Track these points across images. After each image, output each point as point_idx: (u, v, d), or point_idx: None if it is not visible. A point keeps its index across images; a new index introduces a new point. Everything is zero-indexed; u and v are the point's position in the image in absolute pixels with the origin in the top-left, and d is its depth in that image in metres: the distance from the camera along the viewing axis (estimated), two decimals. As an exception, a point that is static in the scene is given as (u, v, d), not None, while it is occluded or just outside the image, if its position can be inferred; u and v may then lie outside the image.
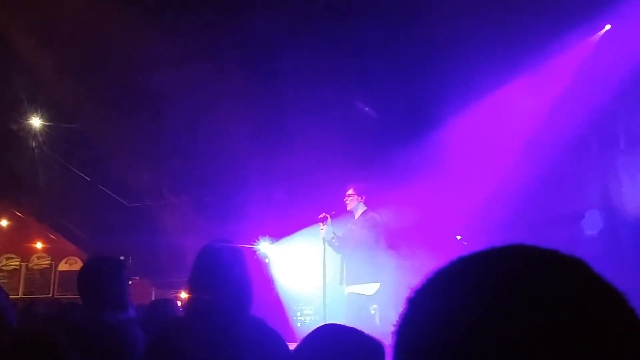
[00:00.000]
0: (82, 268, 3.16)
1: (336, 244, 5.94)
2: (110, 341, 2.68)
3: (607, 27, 6.46)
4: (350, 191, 6.08)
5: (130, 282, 3.32)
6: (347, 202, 6.07)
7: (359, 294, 5.74)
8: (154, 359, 2.38)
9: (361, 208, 6.03)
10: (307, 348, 1.88)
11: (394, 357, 0.67)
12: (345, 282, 5.88)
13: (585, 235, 6.34)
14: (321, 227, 6.01)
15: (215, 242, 2.53)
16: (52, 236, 10.23)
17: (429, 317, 0.64)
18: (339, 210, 6.18)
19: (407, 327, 0.66)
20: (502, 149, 6.43)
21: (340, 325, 2.00)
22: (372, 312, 5.64)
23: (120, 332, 2.77)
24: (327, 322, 2.38)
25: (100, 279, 2.91)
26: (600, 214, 6.45)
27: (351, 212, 6.09)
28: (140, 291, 8.04)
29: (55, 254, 10.21)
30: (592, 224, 6.33)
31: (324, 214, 6.02)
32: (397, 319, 0.68)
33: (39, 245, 10.35)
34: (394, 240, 5.89)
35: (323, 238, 6.03)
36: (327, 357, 1.80)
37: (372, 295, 5.70)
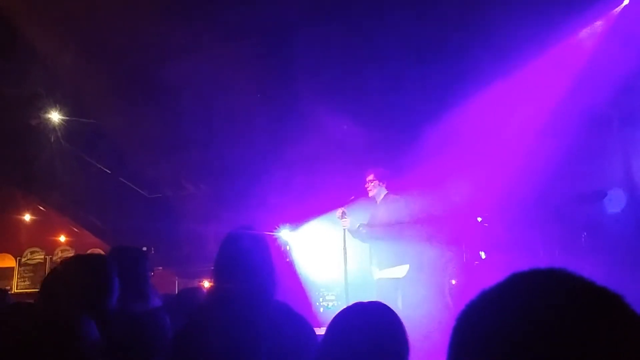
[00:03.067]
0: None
1: (363, 231, 5.92)
2: (133, 332, 2.69)
3: (626, 1, 6.36)
4: (370, 177, 6.06)
5: (152, 273, 3.33)
6: (368, 188, 6.05)
7: (389, 278, 5.74)
8: (178, 347, 2.38)
9: (383, 192, 6.03)
10: (337, 327, 1.90)
11: None
12: (377, 266, 5.88)
13: (608, 214, 6.29)
14: (343, 222, 6.01)
15: (237, 230, 2.54)
16: (75, 229, 10.35)
17: (480, 330, 0.74)
18: (357, 195, 6.16)
19: (460, 339, 0.76)
20: (522, 127, 6.38)
21: (367, 302, 2.01)
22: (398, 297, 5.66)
23: (143, 323, 2.78)
24: None
25: (124, 269, 2.95)
26: (624, 192, 6.39)
27: (373, 198, 6.08)
28: (164, 281, 8.14)
29: (79, 247, 10.33)
30: (615, 202, 6.27)
31: (341, 210, 6.02)
32: (452, 331, 0.78)
33: (62, 238, 10.48)
34: (417, 222, 5.87)
35: (348, 230, 6.02)
36: (357, 334, 1.83)
37: (402, 277, 5.71)
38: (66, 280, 2.51)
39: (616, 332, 0.69)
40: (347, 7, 6.51)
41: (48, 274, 2.70)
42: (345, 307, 1.99)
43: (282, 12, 6.63)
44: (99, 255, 3.24)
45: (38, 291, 2.50)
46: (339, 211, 6.05)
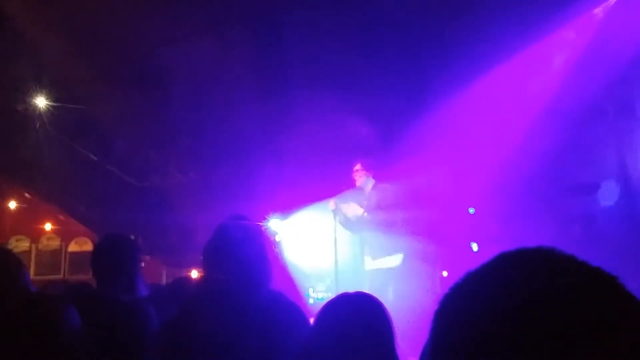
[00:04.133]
0: (95, 246, 3.16)
1: (352, 223, 5.89)
2: (121, 320, 2.68)
3: (623, -9, 6.30)
4: (358, 166, 6.03)
5: (142, 263, 3.32)
6: (355, 179, 6.01)
7: (382, 268, 5.69)
8: (169, 337, 2.37)
9: (370, 182, 5.98)
10: (323, 318, 1.94)
11: (432, 349, 0.70)
12: (370, 256, 5.83)
13: (601, 206, 6.26)
14: (333, 209, 5.96)
15: (229, 220, 2.51)
16: (61, 217, 10.24)
17: (465, 312, 0.68)
18: (347, 185, 6.12)
19: (443, 322, 0.71)
20: (515, 118, 6.32)
21: (352, 293, 2.08)
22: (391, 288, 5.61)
23: (132, 311, 2.77)
24: None
25: (114, 258, 2.93)
26: (617, 185, 6.35)
27: (361, 189, 6.03)
28: (152, 270, 8.06)
29: (65, 235, 10.24)
30: (608, 194, 6.24)
31: (332, 202, 5.98)
32: (434, 314, 0.72)
33: (48, 226, 10.37)
34: (406, 212, 5.82)
35: (340, 223, 5.98)
36: (343, 325, 1.88)
37: (394, 267, 5.65)
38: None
39: (612, 313, 0.63)
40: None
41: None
42: (330, 298, 2.03)
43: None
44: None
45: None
46: (331, 203, 6.00)
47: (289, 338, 2.16)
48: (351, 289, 2.16)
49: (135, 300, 2.90)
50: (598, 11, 6.43)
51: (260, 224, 2.62)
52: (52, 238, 10.40)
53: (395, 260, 5.68)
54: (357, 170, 6.01)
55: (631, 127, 6.52)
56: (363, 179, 5.98)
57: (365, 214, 5.87)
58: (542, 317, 0.62)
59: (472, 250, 6.45)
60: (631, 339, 0.61)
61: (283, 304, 2.33)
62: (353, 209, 5.98)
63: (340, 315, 1.91)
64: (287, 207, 7.30)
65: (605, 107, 6.63)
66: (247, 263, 2.33)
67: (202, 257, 2.45)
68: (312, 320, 2.23)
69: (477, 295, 0.69)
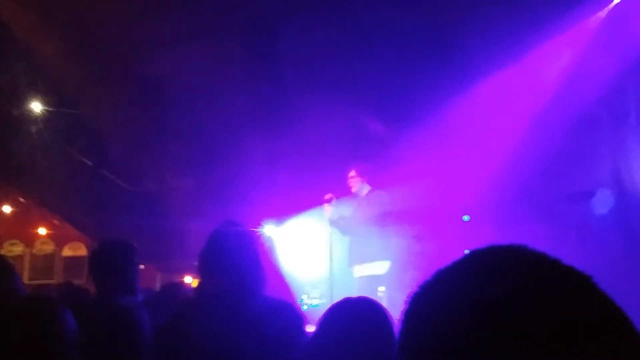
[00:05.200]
0: (94, 251, 3.18)
1: (342, 223, 5.88)
2: (120, 324, 2.68)
3: (616, 0, 6.33)
4: (352, 173, 6.03)
5: (142, 267, 3.34)
6: (350, 184, 6.01)
7: (370, 275, 5.67)
8: (164, 342, 2.38)
9: (366, 188, 5.97)
10: (326, 323, 1.94)
11: (399, 350, 0.68)
12: (354, 261, 5.80)
13: (595, 214, 6.27)
14: (326, 208, 5.94)
15: (224, 225, 2.52)
16: (55, 222, 10.20)
17: (433, 311, 0.66)
18: (344, 192, 6.12)
19: (412, 321, 0.69)
20: (510, 126, 6.33)
21: (355, 298, 2.09)
22: (380, 294, 5.57)
23: (130, 315, 2.77)
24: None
25: (113, 262, 2.94)
26: (611, 193, 6.37)
27: (356, 195, 6.03)
28: (146, 275, 8.01)
29: (59, 240, 10.19)
30: (603, 202, 6.25)
31: (329, 195, 5.95)
32: (401, 312, 0.70)
33: (42, 231, 10.33)
34: (400, 219, 5.81)
35: (329, 219, 5.96)
36: (346, 329, 1.88)
37: (383, 274, 5.63)
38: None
39: (584, 313, 0.61)
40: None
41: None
42: (333, 303, 2.04)
43: (269, 3, 6.54)
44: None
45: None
46: (327, 209, 5.98)
47: (285, 343, 2.16)
48: (346, 295, 2.15)
49: (132, 305, 2.90)
50: (592, 20, 6.46)
51: (255, 230, 2.63)
52: (46, 242, 10.35)
53: (381, 267, 5.66)
54: (352, 177, 6.01)
55: (625, 135, 6.55)
56: (358, 185, 5.97)
57: (341, 219, 5.84)
58: (512, 315, 0.60)
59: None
60: (602, 339, 0.60)
61: (278, 310, 2.33)
62: (347, 211, 5.98)
63: (343, 320, 1.92)
64: (282, 213, 7.29)
65: (600, 115, 6.66)
66: (241, 269, 2.33)
67: (197, 264, 2.45)
68: (308, 326, 2.26)
69: (446, 293, 0.67)
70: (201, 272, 2.44)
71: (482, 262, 0.69)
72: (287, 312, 2.35)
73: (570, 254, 0.76)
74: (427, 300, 0.69)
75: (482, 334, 0.60)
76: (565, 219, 6.09)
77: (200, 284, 2.48)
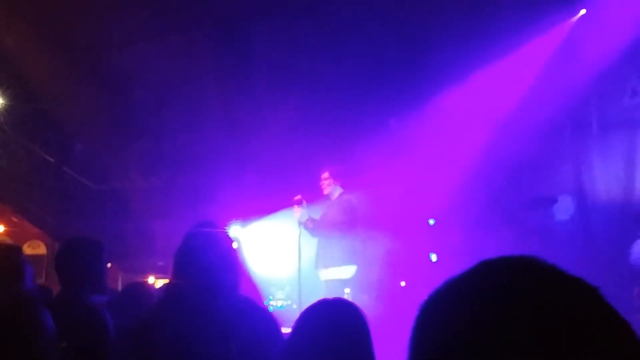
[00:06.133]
0: (61, 248, 3.10)
1: (310, 226, 5.86)
2: (90, 323, 2.63)
3: (583, 11, 6.48)
4: (325, 175, 6.02)
5: (109, 265, 3.27)
6: (323, 186, 6.01)
7: (336, 279, 5.67)
8: (135, 343, 2.35)
9: (337, 191, 5.98)
10: (304, 324, 1.95)
11: (410, 356, 0.70)
12: (321, 265, 5.80)
13: (557, 219, 6.40)
14: (296, 209, 5.92)
15: (196, 227, 2.51)
16: (14, 219, 9.94)
17: (446, 321, 0.68)
18: (314, 194, 6.11)
19: (424, 330, 0.70)
20: (476, 132, 6.42)
21: (331, 299, 2.11)
22: (346, 296, 5.58)
23: (101, 315, 2.72)
24: (302, 306, 2.39)
25: (81, 260, 2.87)
26: (572, 199, 6.51)
27: (327, 196, 6.03)
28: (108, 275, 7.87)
29: (19, 237, 9.91)
30: (564, 208, 6.39)
31: (299, 196, 5.94)
32: (414, 321, 0.72)
33: (1, 228, 10.05)
34: (369, 223, 5.83)
35: (298, 220, 5.94)
36: (323, 330, 1.90)
37: (349, 278, 5.64)
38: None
39: (594, 323, 0.63)
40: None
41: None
42: (308, 304, 2.04)
43: (239, 3, 6.52)
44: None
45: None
46: (297, 197, 5.96)
47: (261, 344, 2.17)
48: (313, 297, 2.16)
49: (101, 304, 2.86)
50: (558, 31, 6.61)
51: (219, 230, 2.61)
52: (4, 240, 10.08)
53: (347, 272, 5.67)
54: (325, 178, 6.01)
55: (587, 143, 6.71)
56: (331, 187, 5.97)
57: (309, 222, 5.84)
58: (525, 326, 0.62)
59: (431, 260, 6.50)
60: (611, 350, 0.62)
61: (253, 310, 2.34)
62: (316, 213, 5.97)
63: (319, 321, 1.93)
64: (249, 213, 7.24)
65: (563, 123, 6.81)
66: (215, 270, 2.33)
67: (172, 263, 2.43)
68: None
69: (459, 302, 0.68)
70: (175, 271, 2.41)
71: (494, 273, 0.70)
72: (262, 313, 2.37)
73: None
74: (439, 309, 0.70)
75: (494, 345, 0.62)
76: (529, 223, 6.21)
77: (172, 284, 2.45)
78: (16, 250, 3.09)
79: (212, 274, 2.31)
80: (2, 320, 1.72)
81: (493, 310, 0.64)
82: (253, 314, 2.30)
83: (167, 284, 2.57)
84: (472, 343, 0.63)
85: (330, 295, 5.29)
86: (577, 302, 0.65)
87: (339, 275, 5.67)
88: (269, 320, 2.32)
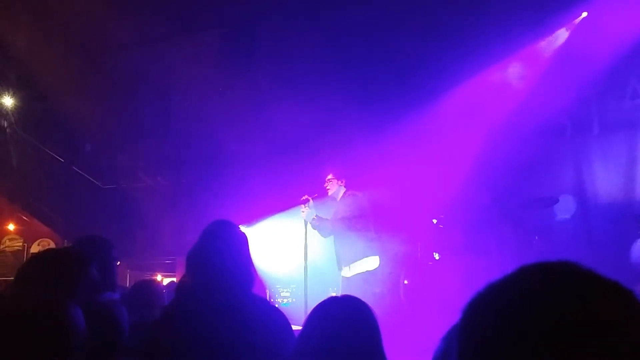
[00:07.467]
0: (71, 247, 3.11)
1: (317, 224, 5.91)
2: (102, 321, 2.66)
3: (584, 14, 6.54)
4: (329, 176, 6.06)
5: (118, 263, 3.30)
6: (327, 187, 6.05)
7: (361, 272, 5.65)
8: (152, 341, 2.37)
9: (342, 191, 6.03)
10: (314, 321, 1.98)
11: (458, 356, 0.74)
12: (343, 263, 5.82)
13: (558, 219, 6.45)
14: (302, 209, 5.98)
15: (213, 225, 2.53)
16: (24, 218, 10.05)
17: (487, 325, 0.71)
18: (320, 194, 6.15)
19: (468, 334, 0.74)
20: (478, 134, 6.49)
21: (340, 296, 2.12)
22: (333, 293, 5.60)
23: (112, 312, 2.76)
24: (309, 304, 2.42)
25: (91, 257, 2.90)
26: (573, 199, 6.56)
27: (332, 197, 6.08)
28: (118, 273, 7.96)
29: (28, 236, 10.03)
30: (566, 208, 6.44)
31: (306, 196, 5.98)
32: (461, 323, 0.75)
33: (11, 227, 10.16)
34: (373, 221, 5.89)
35: (305, 220, 5.99)
36: (333, 326, 1.92)
37: (376, 268, 5.64)
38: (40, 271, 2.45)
39: (631, 325, 0.68)
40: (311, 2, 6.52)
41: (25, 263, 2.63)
42: (320, 301, 2.06)
43: (245, 5, 6.58)
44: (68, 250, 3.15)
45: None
46: (304, 197, 6.00)
47: (273, 341, 2.20)
48: (319, 294, 2.17)
49: (113, 301, 2.89)
50: (560, 33, 6.67)
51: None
52: (14, 239, 10.19)
53: (372, 262, 5.68)
54: (329, 180, 6.04)
55: (588, 144, 6.76)
56: (335, 188, 6.01)
57: (316, 221, 5.88)
58: (572, 330, 0.67)
59: (434, 258, 6.55)
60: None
61: (266, 308, 2.37)
62: (323, 213, 6.01)
63: (329, 317, 1.95)
64: (256, 212, 7.32)
65: (565, 124, 6.86)
66: (231, 268, 2.36)
67: (186, 262, 2.45)
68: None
69: (502, 307, 0.71)
70: (190, 270, 2.43)
71: (536, 279, 0.74)
72: (274, 311, 2.40)
73: (533, 257, 0.85)
74: (487, 311, 0.73)
75: (540, 349, 0.66)
76: (529, 223, 6.25)
77: (186, 282, 2.47)
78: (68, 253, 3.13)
79: (227, 272, 2.34)
80: (30, 318, 1.78)
81: (535, 315, 0.68)
82: (266, 312, 2.33)
83: (181, 281, 2.57)
84: (516, 346, 0.67)
85: (351, 290, 5.34)
86: (614, 305, 0.70)
87: (365, 268, 5.67)
88: (280, 318, 2.34)
